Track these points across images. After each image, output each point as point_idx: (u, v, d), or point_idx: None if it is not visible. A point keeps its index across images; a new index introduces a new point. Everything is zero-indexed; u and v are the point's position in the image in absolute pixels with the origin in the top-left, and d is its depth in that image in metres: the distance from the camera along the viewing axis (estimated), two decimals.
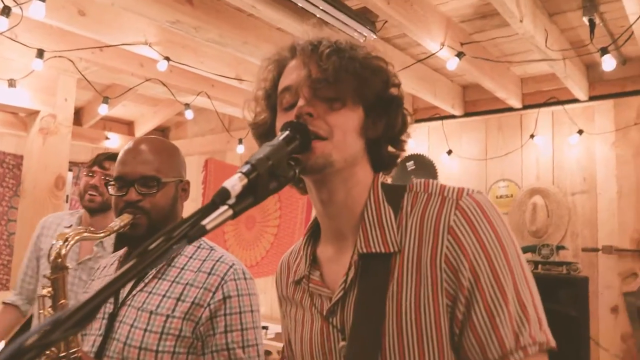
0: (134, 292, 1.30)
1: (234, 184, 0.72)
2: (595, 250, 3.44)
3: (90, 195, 2.29)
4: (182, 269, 1.29)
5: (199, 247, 1.36)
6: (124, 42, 2.94)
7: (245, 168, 0.74)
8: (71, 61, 3.29)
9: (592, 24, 2.67)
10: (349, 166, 0.87)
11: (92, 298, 0.56)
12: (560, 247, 3.48)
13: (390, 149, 0.92)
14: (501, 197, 4.00)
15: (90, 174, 2.38)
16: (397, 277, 0.81)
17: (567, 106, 3.70)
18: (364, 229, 0.86)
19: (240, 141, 4.83)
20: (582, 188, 3.66)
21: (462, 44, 3.05)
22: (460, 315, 0.76)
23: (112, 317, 1.28)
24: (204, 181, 5.80)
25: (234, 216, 0.72)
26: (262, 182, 0.75)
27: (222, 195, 0.71)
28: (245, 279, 1.32)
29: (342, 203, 0.89)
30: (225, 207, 0.71)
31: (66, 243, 1.27)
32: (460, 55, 2.85)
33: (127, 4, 2.42)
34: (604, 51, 2.56)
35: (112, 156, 2.48)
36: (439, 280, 0.77)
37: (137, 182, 1.31)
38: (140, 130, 5.89)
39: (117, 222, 1.28)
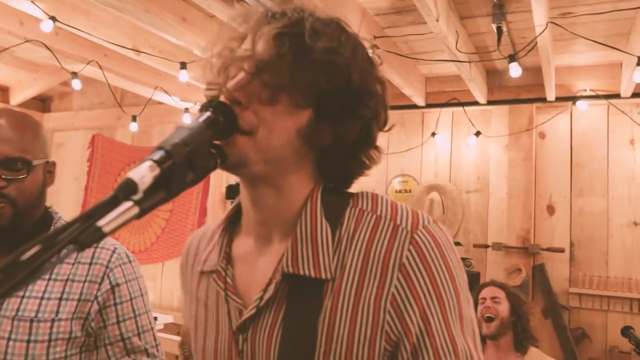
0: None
1: (143, 174, 0.57)
2: (486, 246, 3.62)
3: None
4: (56, 263, 1.10)
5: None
6: None
7: (158, 155, 0.59)
8: None
9: (499, 31, 2.76)
10: (275, 171, 0.73)
11: None
12: (456, 243, 3.62)
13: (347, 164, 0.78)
14: (400, 191, 4.08)
15: None
16: (329, 310, 0.70)
17: (467, 108, 3.84)
18: (293, 244, 0.72)
19: (134, 118, 4.45)
20: (476, 187, 3.84)
21: (374, 37, 3.02)
22: None
23: None
24: (89, 159, 5.33)
25: (140, 215, 0.57)
26: (177, 173, 0.61)
27: (127, 189, 0.56)
28: (130, 262, 1.23)
29: (271, 208, 0.76)
30: (130, 203, 0.56)
31: None
32: (374, 48, 2.81)
33: None
34: (511, 58, 2.65)
35: None
36: (380, 321, 0.68)
37: (0, 165, 1.11)
38: (16, 98, 5.24)
39: None
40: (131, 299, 1.20)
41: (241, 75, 0.70)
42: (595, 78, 3.57)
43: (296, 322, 0.71)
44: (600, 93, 3.51)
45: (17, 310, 1.09)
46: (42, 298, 1.11)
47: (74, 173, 5.39)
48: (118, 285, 1.18)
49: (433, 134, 3.95)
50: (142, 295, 1.24)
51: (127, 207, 0.55)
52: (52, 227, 1.23)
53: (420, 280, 0.68)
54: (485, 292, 2.71)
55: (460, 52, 2.91)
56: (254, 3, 2.54)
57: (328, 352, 0.68)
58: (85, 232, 0.52)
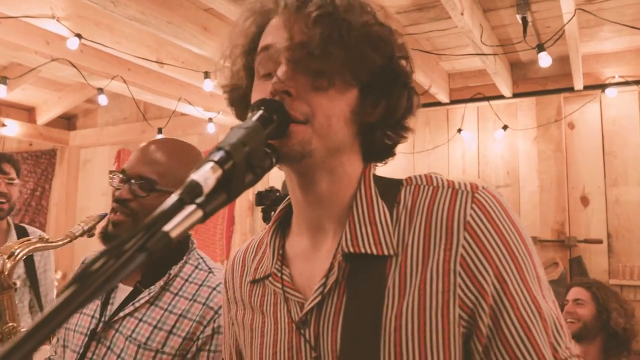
0: (121, 314, 1.16)
1: (206, 176, 0.55)
2: None
3: None
4: (176, 294, 1.19)
5: (196, 267, 1.25)
6: (27, 14, 2.57)
7: (218, 155, 0.57)
8: None
9: (525, 22, 2.71)
10: (333, 156, 0.72)
11: (21, 341, 0.39)
12: None
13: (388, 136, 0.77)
14: None
15: None
16: (396, 284, 0.67)
17: (492, 102, 3.79)
18: (351, 225, 0.71)
19: (159, 130, 4.50)
20: (506, 181, 3.77)
21: None
22: (485, 328, 0.63)
23: (94, 335, 1.16)
24: None
25: (203, 219, 0.55)
26: (237, 174, 0.59)
27: (192, 191, 0.54)
28: None
29: (325, 193, 0.74)
30: (194, 206, 0.54)
31: (12, 258, 1.13)
32: None
33: None
34: (540, 48, 2.60)
35: (8, 158, 2.32)
36: (451, 286, 0.64)
37: (133, 181, 1.21)
38: (42, 118, 5.35)
39: (79, 226, 1.14)
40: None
41: (286, 66, 0.68)
42: (623, 64, 3.49)
43: (360, 302, 0.68)
44: (629, 79, 3.42)
45: (132, 331, 1.14)
46: (155, 327, 1.14)
47: (101, 188, 5.47)
48: (219, 333, 1.16)
49: (459, 130, 3.90)
50: None
51: (190, 211, 0.53)
52: (185, 257, 1.25)
53: (489, 238, 0.64)
54: (570, 294, 2.41)
55: (485, 45, 2.87)
56: None
57: (399, 327, 0.65)
58: (153, 238, 0.50)
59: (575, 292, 2.38)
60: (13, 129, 5.10)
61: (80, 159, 5.73)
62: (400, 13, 3.00)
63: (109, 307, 1.19)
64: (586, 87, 3.51)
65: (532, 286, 0.64)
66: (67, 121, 5.80)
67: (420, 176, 0.74)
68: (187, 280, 1.21)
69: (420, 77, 3.43)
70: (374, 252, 0.69)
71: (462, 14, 2.42)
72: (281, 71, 0.68)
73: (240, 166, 0.59)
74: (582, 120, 3.62)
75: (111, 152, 5.46)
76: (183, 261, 1.23)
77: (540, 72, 3.58)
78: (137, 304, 1.17)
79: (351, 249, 0.70)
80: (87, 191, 5.59)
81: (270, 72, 0.70)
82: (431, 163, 4.04)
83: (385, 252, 0.69)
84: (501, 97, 3.74)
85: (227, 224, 4.63)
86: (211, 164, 0.56)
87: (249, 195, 4.48)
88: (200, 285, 1.20)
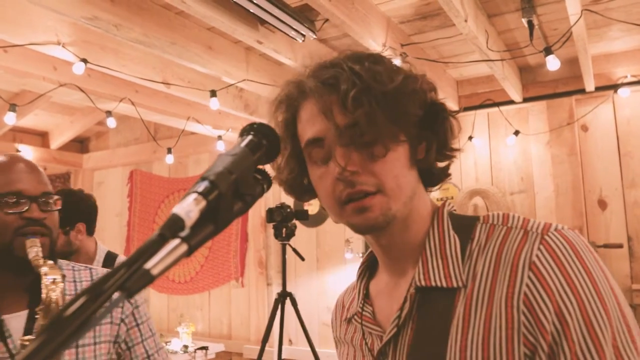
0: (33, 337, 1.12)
1: (189, 209, 0.53)
2: None
3: None
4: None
5: (74, 269, 1.28)
6: (33, 41, 2.60)
7: (202, 186, 0.55)
8: None
9: (531, 26, 2.67)
10: (410, 206, 0.77)
11: None
12: None
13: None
14: (441, 199, 3.97)
15: None
16: (462, 316, 0.70)
17: (502, 108, 3.73)
18: (424, 259, 0.76)
19: (169, 150, 4.51)
20: (520, 188, 3.70)
21: (402, 45, 2.97)
22: None
23: None
24: (129, 194, 5.43)
25: (189, 252, 0.53)
26: (224, 204, 0.57)
27: (174, 226, 0.52)
28: None
29: (403, 243, 0.80)
30: (178, 241, 0.52)
31: None
32: (403, 56, 2.76)
33: None
34: (547, 51, 2.55)
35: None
36: (515, 323, 0.65)
37: (39, 199, 1.18)
38: (56, 142, 5.40)
39: (33, 250, 1.08)
40: (147, 320, 1.31)
41: (343, 151, 0.73)
42: (635, 63, 3.42)
43: (427, 335, 0.72)
44: None
45: None
46: None
47: (115, 209, 5.50)
48: (137, 307, 1.29)
49: (470, 138, 3.85)
50: (149, 317, 1.35)
51: (174, 246, 0.51)
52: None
53: (554, 278, 0.64)
54: None
55: (492, 51, 2.83)
56: (281, 25, 2.54)
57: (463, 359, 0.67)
58: (133, 276, 0.48)
59: None
60: (27, 154, 5.15)
61: (94, 181, 5.78)
62: (404, 23, 2.97)
63: (8, 341, 1.11)
64: (598, 88, 3.45)
65: (599, 332, 0.61)
66: (80, 144, 5.86)
67: (497, 215, 0.77)
68: (74, 281, 1.25)
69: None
70: (444, 284, 0.73)
71: (466, 20, 2.39)
72: (341, 159, 0.72)
73: (226, 195, 0.57)
74: (596, 122, 3.55)
75: (124, 173, 5.50)
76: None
77: (550, 75, 3.52)
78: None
79: (423, 283, 0.74)
80: (101, 212, 5.56)
81: (325, 158, 0.75)
82: None
83: (454, 284, 0.72)
84: (511, 102, 3.69)
85: (240, 241, 4.61)
86: (194, 195, 0.54)
87: (261, 211, 4.47)
88: (93, 279, 1.25)
